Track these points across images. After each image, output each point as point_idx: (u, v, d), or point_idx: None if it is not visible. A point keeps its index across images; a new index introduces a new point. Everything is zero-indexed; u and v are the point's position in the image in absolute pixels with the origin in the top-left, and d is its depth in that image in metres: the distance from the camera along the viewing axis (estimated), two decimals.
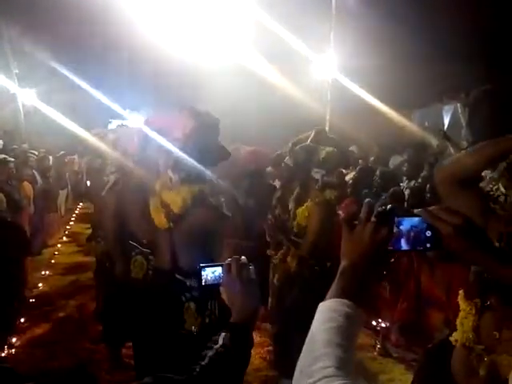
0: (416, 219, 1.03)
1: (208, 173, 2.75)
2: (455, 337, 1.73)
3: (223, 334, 1.27)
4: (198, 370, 1.19)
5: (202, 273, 1.42)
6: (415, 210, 1.04)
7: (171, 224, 2.69)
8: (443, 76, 11.29)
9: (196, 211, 2.66)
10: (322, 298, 1.02)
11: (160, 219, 2.70)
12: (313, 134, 3.97)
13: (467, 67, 9.96)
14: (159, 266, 2.83)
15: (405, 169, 5.66)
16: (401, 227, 1.04)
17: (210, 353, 1.23)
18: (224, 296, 1.39)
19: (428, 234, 1.02)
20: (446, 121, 12.49)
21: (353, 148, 8.16)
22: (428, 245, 1.03)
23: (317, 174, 3.49)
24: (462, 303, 1.72)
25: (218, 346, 1.24)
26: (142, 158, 3.14)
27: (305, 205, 3.51)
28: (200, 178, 2.72)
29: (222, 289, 1.39)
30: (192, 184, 2.68)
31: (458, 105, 11.82)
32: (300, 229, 3.55)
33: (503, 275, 1.06)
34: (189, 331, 2.62)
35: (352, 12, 11.42)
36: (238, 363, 1.29)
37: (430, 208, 1.03)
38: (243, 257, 1.38)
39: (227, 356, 1.24)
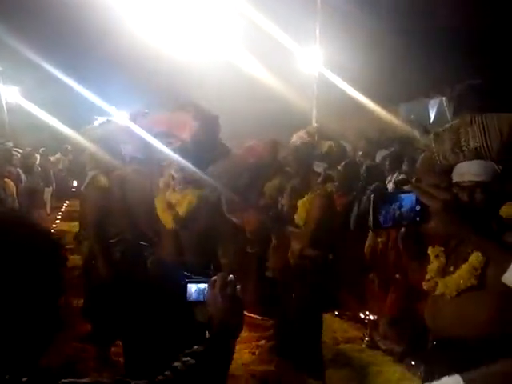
0: (410, 195, 1.08)
1: (207, 175, 2.76)
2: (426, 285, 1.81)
3: (196, 347, 1.24)
4: (160, 378, 1.15)
5: (187, 288, 1.41)
6: (405, 187, 1.09)
7: (177, 226, 2.73)
8: (429, 70, 11.37)
9: (201, 212, 2.69)
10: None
11: (166, 219, 2.75)
12: (309, 132, 3.97)
13: (452, 62, 10.04)
14: (166, 262, 2.84)
15: (387, 163, 5.69)
16: (403, 206, 1.08)
17: (178, 364, 1.19)
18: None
19: (417, 208, 1.07)
20: (432, 115, 12.59)
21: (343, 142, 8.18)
22: (417, 218, 1.07)
23: (319, 167, 3.51)
24: (430, 252, 1.81)
25: (187, 358, 1.20)
26: (144, 157, 3.13)
27: (306, 197, 3.53)
28: (201, 178, 2.74)
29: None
30: (195, 185, 2.71)
31: (444, 99, 11.93)
32: (301, 220, 3.56)
33: (484, 248, 1.16)
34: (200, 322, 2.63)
35: (337, 6, 11.43)
36: (210, 378, 1.23)
37: (420, 184, 1.08)
38: (231, 275, 1.36)
39: (196, 369, 1.19)
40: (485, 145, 1.60)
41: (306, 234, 3.49)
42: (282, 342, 3.79)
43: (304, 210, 3.54)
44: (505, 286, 1.47)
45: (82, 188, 3.70)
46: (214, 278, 1.36)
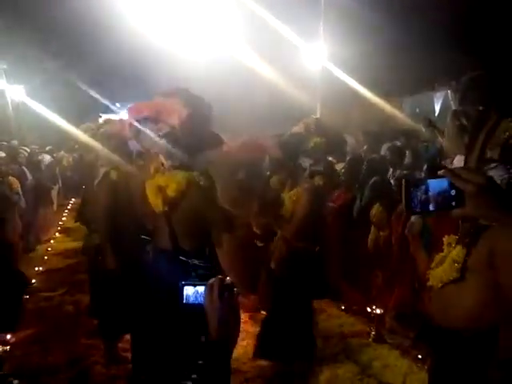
0: (441, 180, 1.05)
1: (200, 160, 2.76)
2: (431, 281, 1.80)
3: (200, 362, 1.24)
4: None
5: (184, 290, 1.38)
6: (439, 172, 1.05)
7: (166, 207, 2.73)
8: (434, 63, 11.30)
9: (192, 194, 2.69)
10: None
11: (156, 203, 2.75)
12: (307, 123, 3.98)
13: (458, 54, 9.97)
14: (162, 249, 2.85)
15: (389, 157, 5.67)
16: (429, 190, 1.05)
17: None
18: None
19: (452, 193, 1.04)
20: (437, 107, 12.53)
21: (347, 137, 8.18)
22: (453, 203, 1.04)
23: (305, 162, 3.55)
24: (445, 240, 1.80)
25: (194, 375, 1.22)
26: (141, 147, 3.13)
27: (293, 190, 3.57)
28: (192, 165, 2.74)
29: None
30: (184, 169, 2.71)
31: (449, 91, 11.88)
32: (288, 213, 3.59)
33: None
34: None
35: (341, 1, 11.37)
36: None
37: (453, 168, 1.05)
38: (228, 278, 1.36)
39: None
40: (446, 142, 1.65)
41: (290, 226, 3.53)
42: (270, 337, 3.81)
43: (291, 202, 3.58)
44: (489, 279, 1.48)
45: (96, 183, 3.76)
46: (211, 281, 1.34)
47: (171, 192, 2.69)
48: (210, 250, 2.82)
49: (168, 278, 2.68)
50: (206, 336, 1.32)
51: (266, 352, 3.78)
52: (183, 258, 2.73)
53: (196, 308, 1.36)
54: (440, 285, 1.66)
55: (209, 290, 1.33)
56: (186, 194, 2.69)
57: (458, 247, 1.62)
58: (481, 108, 1.71)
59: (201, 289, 1.36)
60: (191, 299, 1.38)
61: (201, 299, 1.36)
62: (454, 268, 1.60)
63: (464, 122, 1.64)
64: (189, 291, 1.38)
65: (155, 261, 2.98)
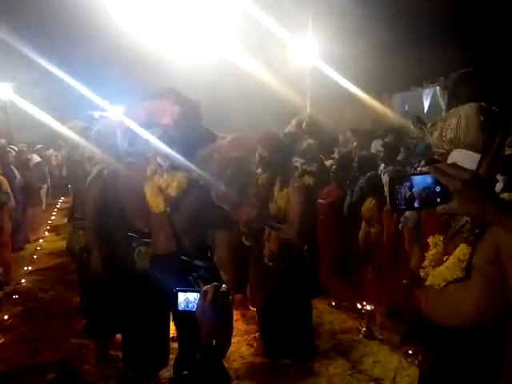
0: (426, 176, 1.04)
1: (195, 160, 2.77)
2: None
3: (185, 372, 1.23)
4: None
5: (178, 296, 1.38)
6: (423, 168, 1.05)
7: (168, 208, 2.73)
8: (423, 60, 11.36)
9: (192, 193, 2.70)
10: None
11: (157, 203, 2.76)
12: (299, 122, 3.99)
13: (446, 51, 10.03)
14: (162, 251, 2.85)
15: (381, 153, 5.71)
16: (413, 186, 1.05)
17: None
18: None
19: (438, 189, 1.03)
20: (426, 104, 12.62)
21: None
22: (438, 199, 1.04)
23: (297, 162, 3.57)
24: (430, 240, 1.80)
25: None
26: (132, 149, 3.12)
27: (285, 190, 3.58)
28: (189, 164, 2.75)
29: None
30: (183, 169, 2.72)
31: (438, 88, 11.97)
32: (280, 212, 3.60)
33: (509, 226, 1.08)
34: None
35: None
36: None
37: (438, 164, 1.05)
38: (224, 285, 1.33)
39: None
40: (457, 136, 1.64)
41: (289, 226, 3.54)
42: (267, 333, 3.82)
43: (283, 202, 3.59)
44: (495, 276, 1.48)
45: (88, 181, 3.72)
46: (205, 288, 1.32)
47: (173, 191, 2.71)
48: (212, 251, 2.84)
49: (168, 280, 2.69)
50: (197, 342, 1.30)
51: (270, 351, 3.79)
52: (186, 258, 2.74)
53: (189, 314, 1.35)
54: (443, 284, 1.66)
55: (202, 297, 1.31)
56: (188, 192, 2.71)
57: (463, 246, 1.61)
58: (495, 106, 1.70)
59: (195, 295, 1.36)
60: (185, 305, 1.38)
61: (193, 306, 1.35)
62: (458, 266, 1.60)
63: (488, 118, 1.63)
64: (183, 297, 1.38)
65: (153, 263, 2.96)
